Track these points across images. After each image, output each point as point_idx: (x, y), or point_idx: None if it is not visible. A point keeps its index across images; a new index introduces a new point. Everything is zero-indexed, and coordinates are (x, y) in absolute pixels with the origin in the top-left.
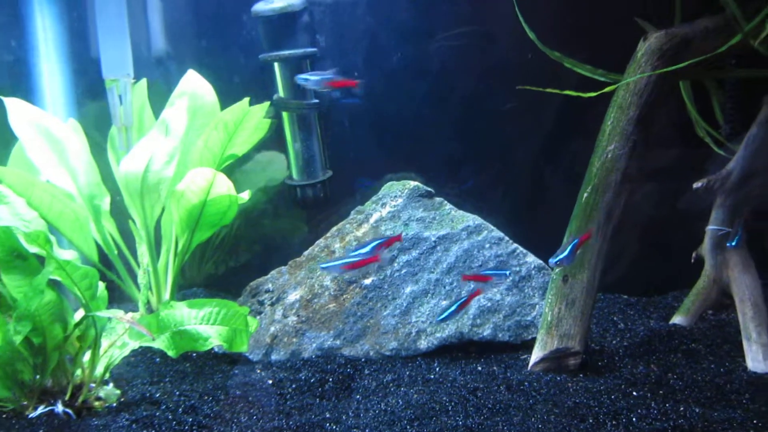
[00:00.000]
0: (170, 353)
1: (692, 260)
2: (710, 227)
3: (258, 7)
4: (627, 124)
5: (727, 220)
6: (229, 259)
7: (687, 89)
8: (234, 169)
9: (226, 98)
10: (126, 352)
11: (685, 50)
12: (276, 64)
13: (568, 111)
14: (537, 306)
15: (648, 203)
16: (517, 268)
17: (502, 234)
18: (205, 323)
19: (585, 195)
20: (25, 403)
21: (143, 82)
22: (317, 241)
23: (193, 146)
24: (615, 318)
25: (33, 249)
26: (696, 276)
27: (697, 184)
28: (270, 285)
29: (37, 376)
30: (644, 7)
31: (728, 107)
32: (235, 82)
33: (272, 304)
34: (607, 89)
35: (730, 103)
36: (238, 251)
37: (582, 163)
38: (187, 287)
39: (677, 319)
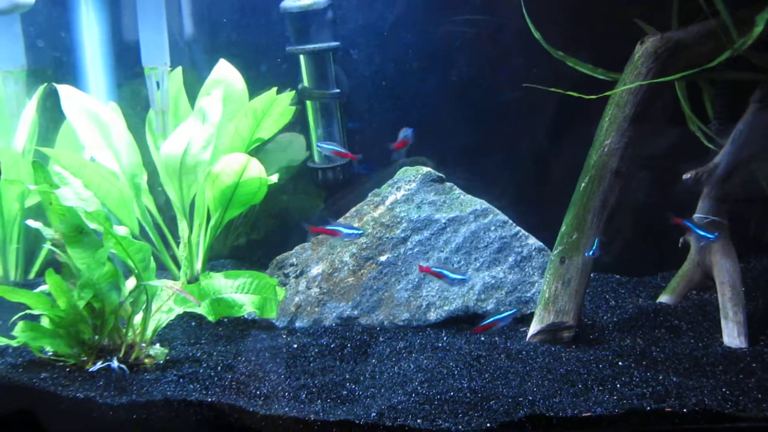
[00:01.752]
0: (210, 318)
1: (680, 245)
2: (697, 215)
3: (286, 4)
4: (623, 120)
5: (713, 209)
6: (251, 232)
7: (681, 87)
8: (258, 149)
9: (255, 87)
10: (172, 316)
11: (678, 53)
12: (301, 57)
13: (571, 104)
14: (536, 284)
15: (641, 192)
16: (519, 249)
17: (506, 217)
18: (240, 292)
19: (583, 184)
20: (85, 359)
21: (179, 70)
22: (337, 221)
23: (225, 130)
24: (607, 296)
25: (93, 225)
26: (683, 259)
27: (686, 176)
28: (294, 259)
29: (96, 336)
30: (647, 10)
31: (718, 105)
32: (263, 72)
33: (296, 277)
34: (608, 93)
35: (720, 102)
36: (259, 225)
37: (581, 155)
38: (214, 258)
39: (664, 298)
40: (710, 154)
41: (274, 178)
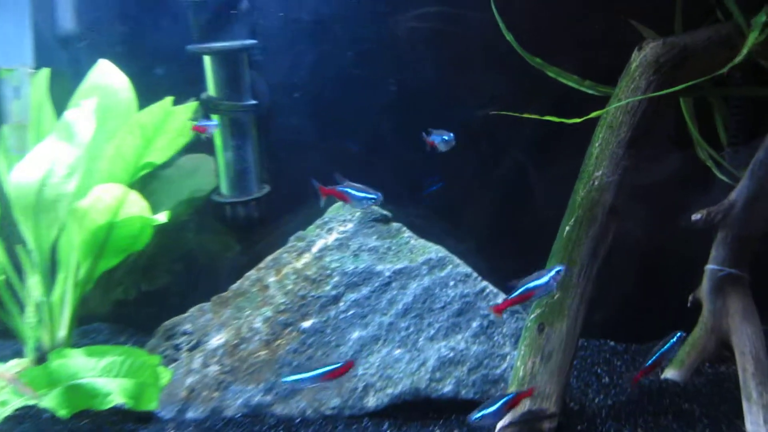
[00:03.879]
0: (61, 413)
1: (689, 304)
2: (710, 266)
3: None
4: (617, 146)
5: (729, 258)
6: (142, 282)
7: (689, 105)
8: (152, 176)
9: (147, 96)
10: (7, 411)
11: (684, 63)
12: (207, 58)
13: (554, 124)
14: (508, 357)
15: (640, 237)
16: (487, 312)
17: (469, 269)
18: (107, 375)
19: (567, 228)
20: None
21: (44, 72)
22: (248, 273)
23: (102, 152)
24: (599, 370)
25: None
26: (693, 322)
27: (695, 216)
28: (189, 325)
29: None
30: (644, 10)
31: (733, 128)
32: (158, 78)
33: (190, 350)
34: (598, 113)
35: (735, 124)
36: (154, 273)
37: (566, 189)
38: (88, 321)
39: (670, 373)
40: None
41: (162, 218)
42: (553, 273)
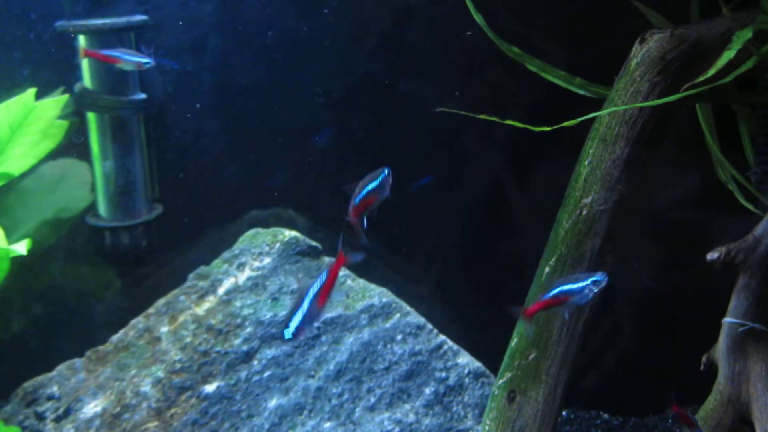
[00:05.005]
0: None
1: (702, 367)
2: (727, 320)
3: None
4: (612, 166)
5: (752, 310)
6: None
7: (706, 114)
8: (5, 189)
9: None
10: None
11: (698, 61)
12: (82, 38)
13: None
14: None
15: (642, 281)
16: (443, 374)
17: (422, 319)
18: None
19: (547, 269)
20: None
21: None
22: (133, 321)
23: None
24: None
25: None
26: (706, 391)
27: (711, 255)
28: (56, 388)
29: None
30: None
31: (761, 142)
32: (17, 63)
33: (57, 420)
34: (586, 117)
35: (764, 137)
36: (8, 315)
37: (553, 211)
38: None
39: None
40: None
41: (21, 248)
42: (589, 281)
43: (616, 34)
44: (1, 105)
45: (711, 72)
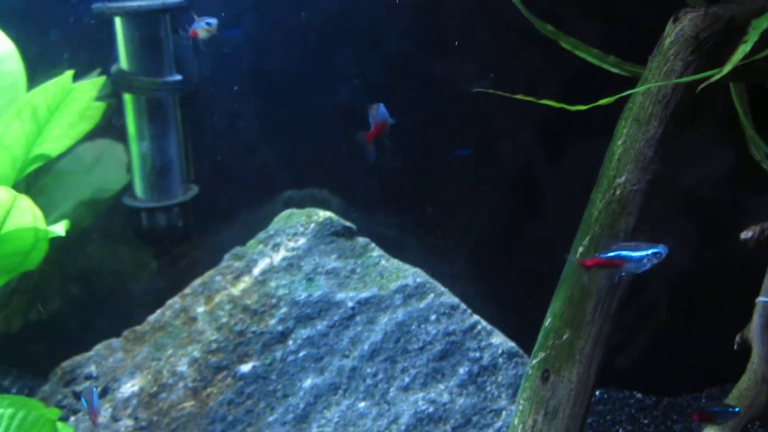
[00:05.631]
0: None
1: (735, 346)
2: (761, 299)
3: None
4: (646, 146)
5: None
6: (29, 308)
7: (740, 93)
8: (42, 170)
9: (39, 68)
10: None
11: (732, 40)
12: (117, 20)
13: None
14: (503, 413)
15: (676, 260)
16: (477, 354)
17: (456, 299)
18: None
19: (581, 250)
20: None
21: None
22: (169, 301)
23: None
24: (621, 430)
25: None
26: (740, 370)
27: (745, 234)
28: (93, 368)
29: None
30: None
31: None
32: (54, 44)
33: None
34: (619, 95)
35: None
36: (46, 295)
37: (581, 197)
38: None
39: None
40: None
41: (60, 230)
42: (650, 252)
43: (650, 11)
44: (40, 87)
45: (727, 69)
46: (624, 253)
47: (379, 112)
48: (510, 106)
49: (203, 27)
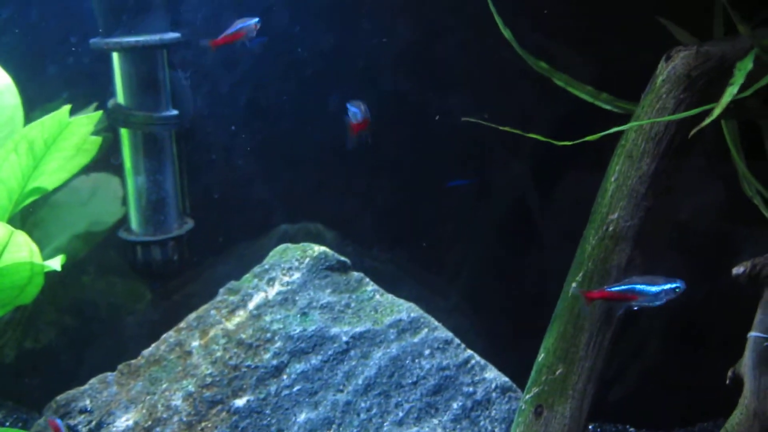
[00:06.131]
0: None
1: (728, 381)
2: (753, 334)
3: None
4: (638, 182)
5: None
6: (23, 338)
7: (732, 130)
8: (38, 202)
9: (36, 102)
10: None
11: (723, 77)
12: (115, 55)
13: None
14: None
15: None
16: (471, 389)
17: (450, 334)
18: None
19: (574, 284)
20: None
21: None
22: (165, 335)
23: None
24: None
25: None
26: (733, 403)
27: (737, 269)
28: (88, 401)
29: None
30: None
31: None
32: (51, 79)
33: None
34: (590, 138)
35: None
36: (40, 326)
37: (575, 233)
38: None
39: None
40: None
41: (56, 264)
42: (668, 286)
43: (644, 49)
44: (37, 121)
45: (716, 112)
46: (638, 287)
47: (362, 108)
48: (505, 141)
49: (252, 26)
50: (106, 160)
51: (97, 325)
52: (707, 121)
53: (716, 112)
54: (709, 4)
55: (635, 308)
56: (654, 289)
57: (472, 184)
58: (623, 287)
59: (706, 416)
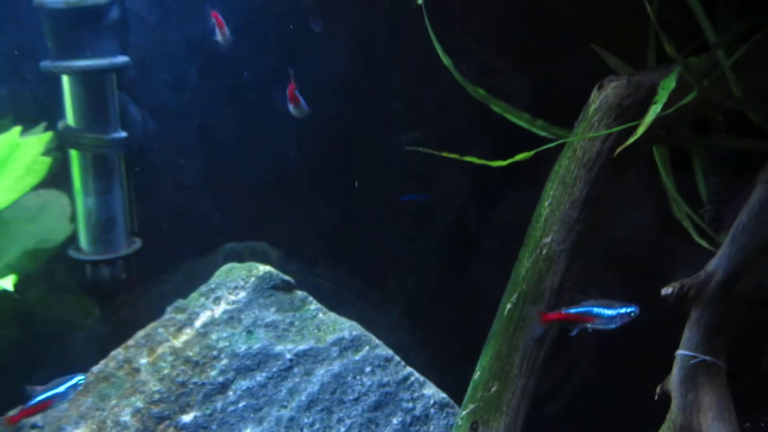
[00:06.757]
0: None
1: (656, 396)
2: (680, 352)
3: None
4: (571, 207)
5: (703, 343)
6: None
7: (663, 156)
8: None
9: None
10: None
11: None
12: (65, 78)
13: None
14: None
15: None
16: (410, 405)
17: (390, 352)
18: None
19: (509, 306)
20: None
21: None
22: (113, 352)
23: None
24: None
25: None
26: (659, 420)
27: (665, 290)
28: (39, 417)
29: None
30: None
31: (713, 183)
32: (2, 100)
33: None
34: (520, 157)
35: (716, 176)
36: None
37: (512, 253)
38: None
39: None
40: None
41: (7, 284)
42: (623, 310)
43: (580, 76)
44: None
45: (640, 130)
46: (594, 309)
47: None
48: (445, 161)
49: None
50: (53, 179)
51: (45, 339)
52: (632, 139)
53: (640, 130)
54: (645, 33)
55: (590, 330)
56: (610, 312)
57: (425, 200)
58: (580, 309)
59: (636, 430)
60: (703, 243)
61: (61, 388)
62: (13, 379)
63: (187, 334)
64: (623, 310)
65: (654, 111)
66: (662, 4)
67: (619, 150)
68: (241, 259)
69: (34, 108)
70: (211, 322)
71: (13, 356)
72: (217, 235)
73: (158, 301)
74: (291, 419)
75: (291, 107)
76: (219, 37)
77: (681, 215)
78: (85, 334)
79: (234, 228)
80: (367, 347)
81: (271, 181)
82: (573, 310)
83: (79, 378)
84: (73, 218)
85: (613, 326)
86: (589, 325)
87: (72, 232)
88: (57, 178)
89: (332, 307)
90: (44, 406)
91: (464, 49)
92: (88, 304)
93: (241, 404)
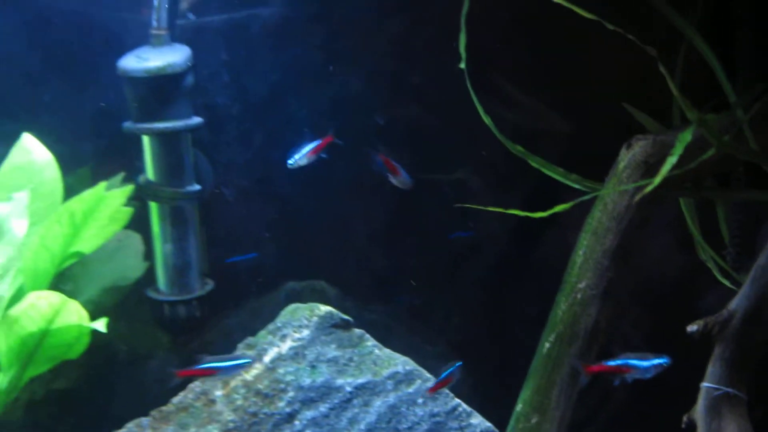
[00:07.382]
0: None
1: (683, 425)
2: (705, 384)
3: (127, 65)
4: (602, 256)
5: (726, 376)
6: (53, 380)
7: (688, 203)
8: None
9: (68, 174)
10: None
11: (678, 163)
12: (145, 138)
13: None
14: None
15: (632, 347)
16: None
17: None
18: None
19: (547, 345)
20: None
21: None
22: (191, 384)
23: (26, 242)
24: None
25: None
26: None
27: (691, 328)
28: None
29: None
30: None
31: (734, 226)
32: (84, 154)
33: None
34: (558, 209)
35: (736, 221)
36: (66, 367)
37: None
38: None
39: None
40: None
41: (100, 326)
42: (656, 362)
43: (610, 132)
44: (78, 196)
45: (657, 180)
46: (631, 362)
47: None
48: (487, 201)
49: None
50: (132, 223)
51: (122, 369)
52: (649, 188)
53: (656, 180)
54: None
55: (629, 381)
56: (645, 364)
57: (470, 236)
58: (619, 362)
59: None
60: (726, 283)
61: (228, 363)
62: (89, 412)
63: (257, 368)
64: (656, 362)
65: (670, 162)
66: (686, 63)
67: (641, 198)
68: (300, 296)
69: (112, 161)
70: (279, 358)
71: (89, 388)
72: (280, 275)
73: (227, 335)
74: None
75: (392, 178)
76: (395, 181)
77: (706, 257)
78: (158, 364)
79: (294, 268)
80: (419, 381)
81: (329, 225)
82: (612, 363)
83: (246, 359)
84: (147, 257)
85: (648, 376)
86: (627, 376)
87: (146, 270)
88: (135, 223)
89: (383, 339)
90: (209, 372)
91: (503, 106)
92: (162, 340)
93: None
